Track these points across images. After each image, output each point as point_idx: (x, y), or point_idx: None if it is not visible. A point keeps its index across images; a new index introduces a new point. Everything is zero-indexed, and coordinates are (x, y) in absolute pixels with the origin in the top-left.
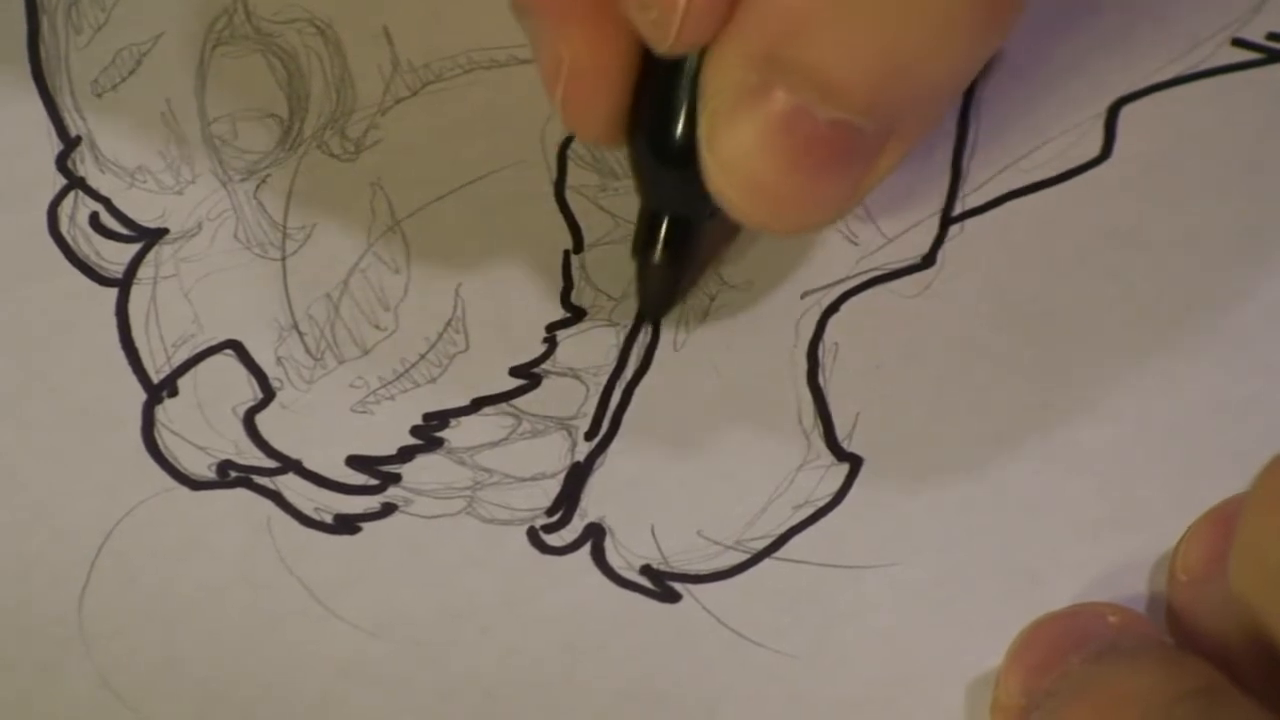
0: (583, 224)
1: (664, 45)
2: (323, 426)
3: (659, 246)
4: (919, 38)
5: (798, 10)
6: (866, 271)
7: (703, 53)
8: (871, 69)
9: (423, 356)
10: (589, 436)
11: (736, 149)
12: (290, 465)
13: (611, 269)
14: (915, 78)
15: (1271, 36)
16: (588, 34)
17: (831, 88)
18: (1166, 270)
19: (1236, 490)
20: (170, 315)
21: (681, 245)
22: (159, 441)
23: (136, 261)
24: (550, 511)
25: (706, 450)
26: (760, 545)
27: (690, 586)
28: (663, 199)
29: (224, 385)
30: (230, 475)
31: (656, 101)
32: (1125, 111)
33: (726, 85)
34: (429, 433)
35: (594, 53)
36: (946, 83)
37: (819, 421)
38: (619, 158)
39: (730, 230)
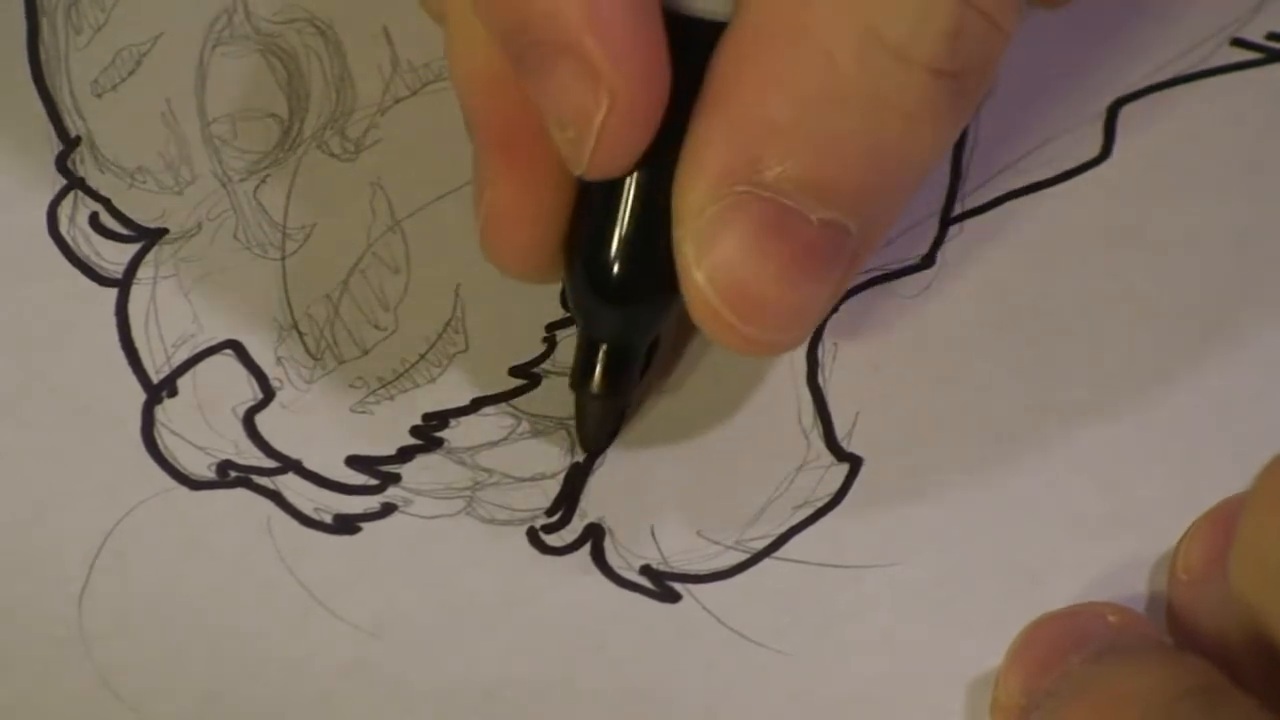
0: None
1: (579, 168)
2: (323, 426)
3: (597, 376)
4: (897, 126)
5: (778, 118)
6: (866, 272)
7: (641, 177)
8: (857, 163)
9: (422, 356)
10: None
11: (726, 262)
12: (290, 465)
13: None
14: (895, 168)
15: (1271, 36)
16: (517, 171)
17: (821, 186)
18: (1166, 270)
19: (1236, 490)
20: (170, 315)
21: (621, 374)
22: (159, 441)
23: (136, 261)
24: (550, 512)
25: (706, 450)
26: (760, 545)
27: (690, 586)
28: (602, 329)
29: (224, 385)
30: (230, 475)
31: (593, 232)
32: (1124, 111)
33: (707, 201)
34: (429, 433)
35: (517, 194)
36: (925, 165)
37: (818, 421)
38: None
39: (667, 357)
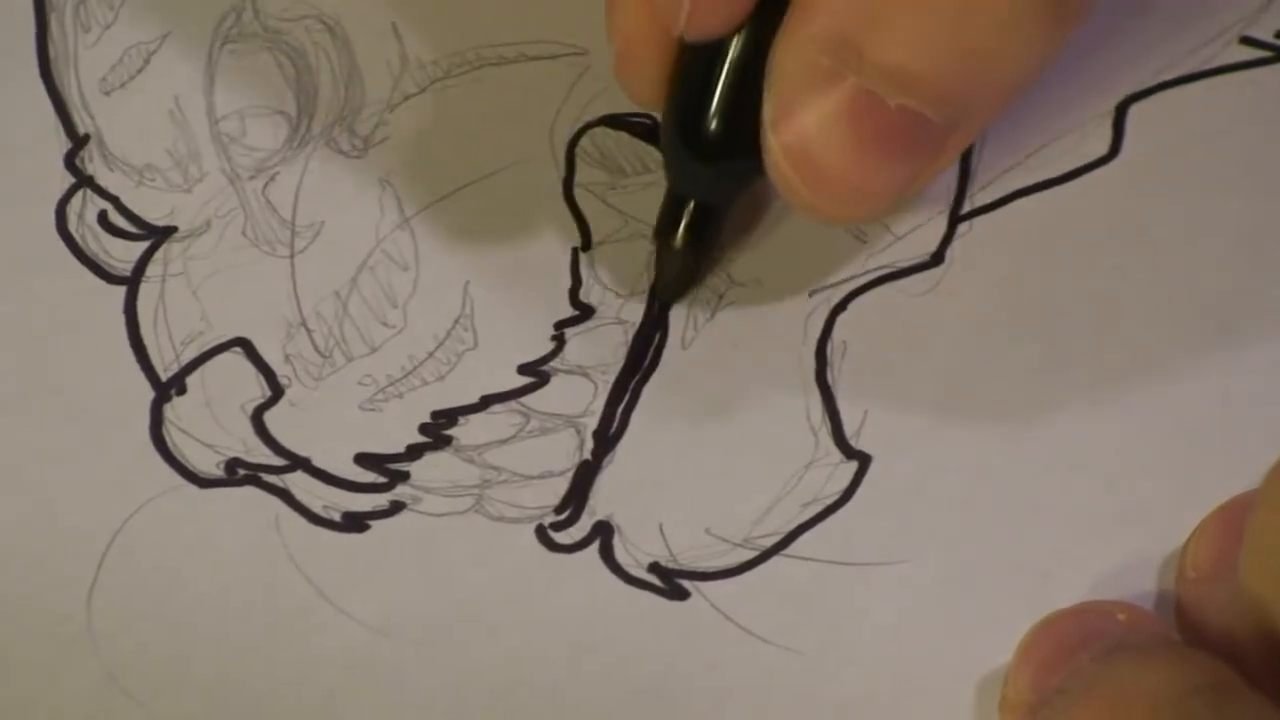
0: (591, 221)
1: (676, 29)
2: (331, 424)
3: (680, 231)
4: (989, 32)
5: (870, 1)
6: (875, 269)
7: (744, 41)
8: (943, 60)
9: (431, 354)
10: (597, 434)
11: (803, 132)
12: (298, 463)
13: (620, 266)
14: (985, 70)
15: None
16: (642, 8)
17: (904, 76)
18: (1175, 268)
19: (1245, 488)
20: (178, 313)
21: (703, 231)
22: (167, 439)
23: (145, 259)
24: (559, 509)
25: (715, 448)
26: (768, 543)
27: (698, 584)
28: (690, 184)
29: (232, 383)
30: (238, 473)
31: (690, 87)
32: (1133, 110)
33: (796, 69)
34: (437, 430)
35: (645, 28)
36: (1014, 77)
37: (827, 419)
38: (627, 155)
39: (749, 219)
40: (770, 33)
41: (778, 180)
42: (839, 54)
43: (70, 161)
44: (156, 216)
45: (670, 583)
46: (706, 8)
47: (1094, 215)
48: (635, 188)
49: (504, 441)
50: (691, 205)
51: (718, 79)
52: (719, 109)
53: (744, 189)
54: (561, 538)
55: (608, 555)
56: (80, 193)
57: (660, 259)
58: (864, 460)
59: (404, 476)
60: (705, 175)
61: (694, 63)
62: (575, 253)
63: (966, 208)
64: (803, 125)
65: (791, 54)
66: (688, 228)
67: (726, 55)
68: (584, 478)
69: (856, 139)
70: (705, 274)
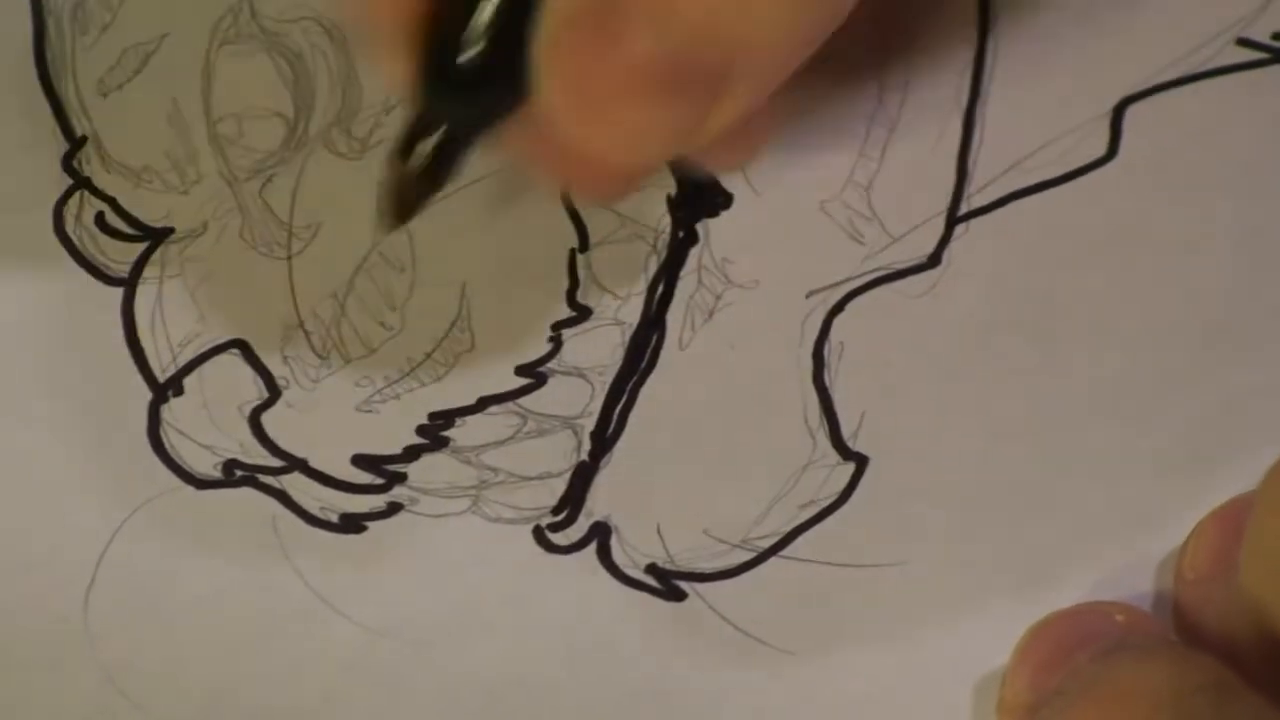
0: (588, 222)
1: None
2: (328, 425)
3: (424, 156)
4: None
5: None
6: (872, 271)
7: None
8: (713, 4)
9: (428, 355)
10: (595, 435)
11: (572, 66)
12: (296, 464)
13: (618, 268)
14: (752, 12)
15: (1276, 36)
16: None
17: (674, 16)
18: (1172, 269)
19: (1242, 490)
20: (176, 314)
21: (447, 160)
22: (165, 441)
23: (142, 261)
24: (556, 510)
25: (712, 449)
26: (766, 544)
27: (696, 585)
28: (444, 109)
29: (230, 384)
30: (236, 474)
31: (453, 6)
32: (1131, 111)
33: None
34: (435, 432)
35: None
36: (783, 26)
37: (824, 420)
38: None
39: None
40: None
41: (549, 112)
42: None
43: (68, 163)
44: (154, 218)
45: (668, 584)
46: None
47: (1091, 216)
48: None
49: (501, 442)
50: (442, 133)
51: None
52: (486, 30)
53: (501, 121)
54: (559, 539)
55: (605, 556)
56: (77, 194)
57: (393, 181)
58: (861, 461)
59: (401, 478)
60: (464, 101)
61: None
62: (573, 254)
63: (964, 209)
64: (572, 58)
65: None
66: (432, 152)
67: None
68: (581, 479)
69: (624, 74)
70: (431, 202)
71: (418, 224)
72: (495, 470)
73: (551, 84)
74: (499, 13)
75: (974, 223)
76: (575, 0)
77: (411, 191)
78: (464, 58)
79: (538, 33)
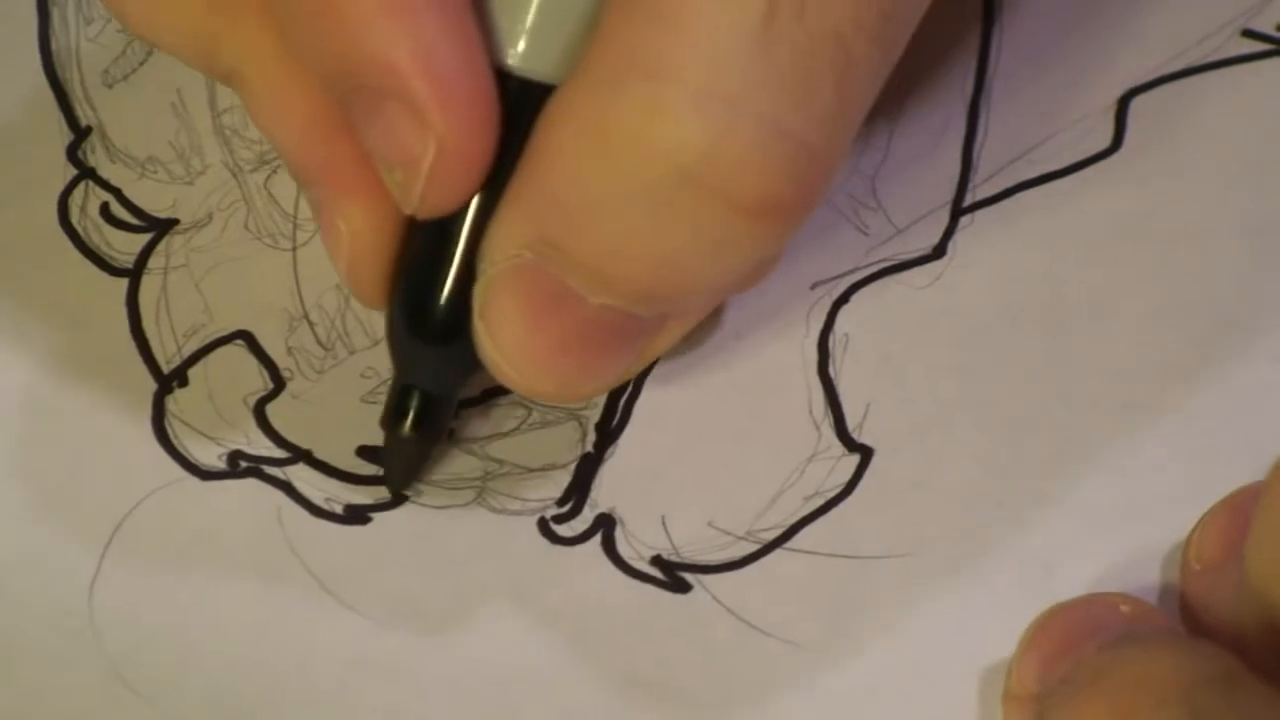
0: None
1: (409, 208)
2: (333, 417)
3: (409, 420)
4: (686, 247)
5: (569, 203)
6: (877, 262)
7: (471, 221)
8: (643, 268)
9: None
10: (600, 427)
11: (508, 323)
12: (300, 455)
13: None
14: (685, 278)
15: None
16: (365, 205)
17: (603, 277)
18: (1177, 260)
19: (1249, 480)
20: (181, 305)
21: (433, 419)
22: (169, 432)
23: (147, 252)
24: (561, 502)
25: (717, 441)
26: (771, 536)
27: (701, 577)
28: (418, 372)
29: (234, 375)
30: (240, 465)
31: (415, 272)
32: (1135, 103)
33: (500, 257)
34: None
35: (373, 224)
36: (719, 285)
37: (829, 412)
38: None
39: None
40: (491, 211)
41: (490, 368)
42: (540, 250)
43: (72, 154)
44: (159, 209)
45: (672, 575)
46: (440, 181)
47: (1096, 208)
48: None
49: (506, 434)
50: (418, 394)
51: (443, 262)
52: (447, 295)
53: (472, 375)
54: (564, 530)
55: (610, 548)
56: (82, 185)
57: (389, 449)
58: (866, 453)
59: None
60: (433, 362)
61: (419, 248)
62: None
63: (968, 200)
64: (507, 317)
65: (497, 244)
66: (416, 417)
67: (451, 238)
68: (586, 470)
69: (558, 333)
70: (437, 457)
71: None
72: (500, 462)
73: (488, 346)
74: (457, 271)
75: (979, 214)
76: (506, 267)
77: (409, 454)
78: (429, 322)
79: (475, 293)
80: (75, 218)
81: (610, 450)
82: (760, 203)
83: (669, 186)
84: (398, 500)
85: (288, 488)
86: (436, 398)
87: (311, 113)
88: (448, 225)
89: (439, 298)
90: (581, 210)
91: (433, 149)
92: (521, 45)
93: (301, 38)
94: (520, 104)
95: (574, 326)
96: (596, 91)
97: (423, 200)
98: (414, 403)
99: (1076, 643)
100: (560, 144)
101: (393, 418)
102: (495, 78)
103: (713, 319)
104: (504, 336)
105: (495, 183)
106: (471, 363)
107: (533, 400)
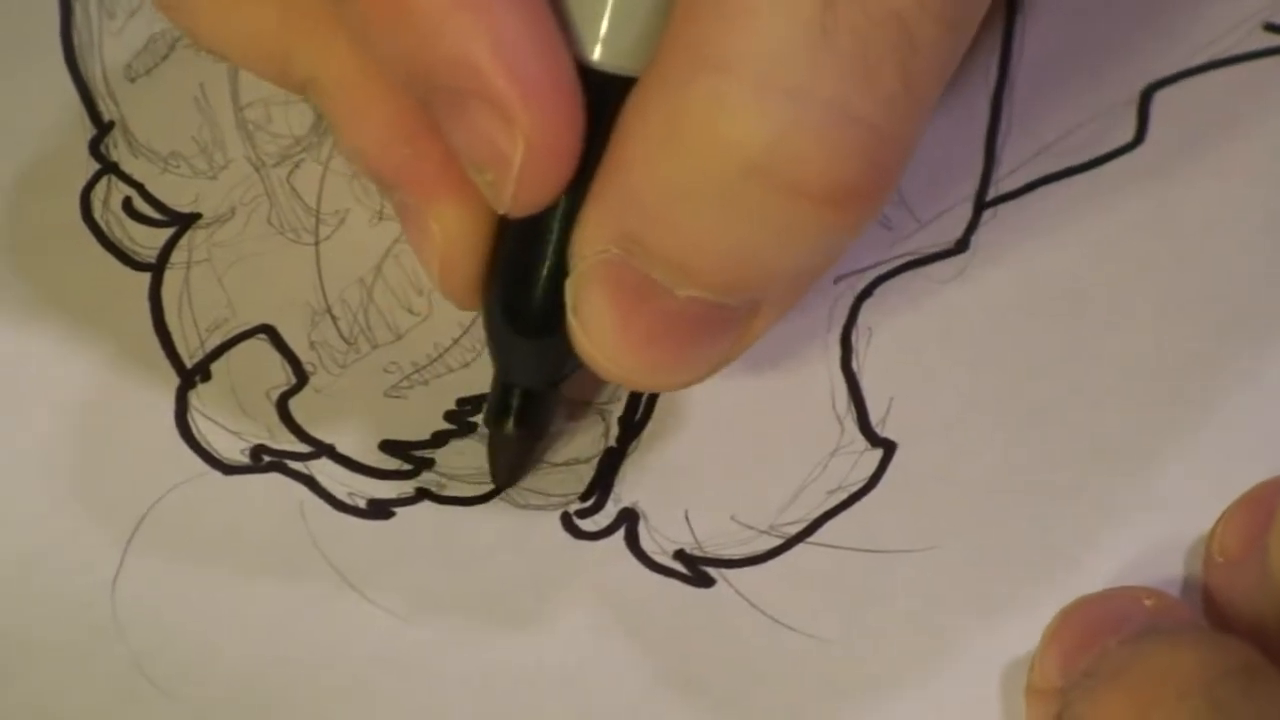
0: None
1: (502, 207)
2: (356, 411)
3: (512, 417)
4: (761, 238)
5: (649, 197)
6: (900, 256)
7: (561, 216)
8: (723, 260)
9: (456, 341)
10: (623, 421)
11: (597, 318)
12: (323, 450)
13: None
14: (768, 269)
15: None
16: (455, 206)
17: (685, 270)
18: (1200, 254)
19: (1272, 473)
20: (203, 300)
21: (535, 415)
22: (192, 426)
23: (170, 246)
24: (584, 496)
25: (740, 435)
26: (794, 530)
27: (724, 571)
28: (517, 371)
29: (257, 370)
30: (263, 460)
31: (511, 269)
32: (1158, 97)
33: (588, 253)
34: (463, 417)
35: (464, 226)
36: (801, 272)
37: (852, 407)
38: None
39: (590, 386)
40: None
41: (586, 362)
42: (625, 246)
43: (95, 148)
44: (181, 203)
45: (696, 570)
46: (530, 179)
47: (1119, 202)
48: None
49: None
50: (519, 392)
51: (536, 258)
52: (541, 290)
53: (569, 369)
54: (587, 525)
55: (633, 542)
56: (105, 179)
57: (493, 445)
58: (889, 447)
59: (429, 463)
60: (531, 358)
61: (512, 245)
62: None
63: (991, 194)
64: (597, 311)
65: (584, 240)
66: (519, 415)
67: (544, 232)
68: (609, 465)
69: (646, 327)
70: (544, 451)
71: None
72: None
73: (582, 340)
74: (551, 266)
75: (1001, 208)
76: (594, 263)
77: (512, 453)
78: (526, 317)
79: (567, 290)
80: (98, 212)
81: (633, 445)
82: (830, 190)
83: (738, 180)
84: (420, 495)
85: (310, 482)
86: (537, 394)
87: (393, 117)
88: (539, 222)
89: (535, 294)
90: (659, 205)
91: (521, 147)
92: (601, 39)
93: (376, 41)
94: (603, 99)
95: (662, 318)
96: (666, 87)
97: (515, 199)
98: (515, 400)
99: (1099, 636)
100: (636, 140)
101: (495, 416)
102: (578, 73)
103: None
104: (596, 330)
105: (584, 178)
106: (568, 357)
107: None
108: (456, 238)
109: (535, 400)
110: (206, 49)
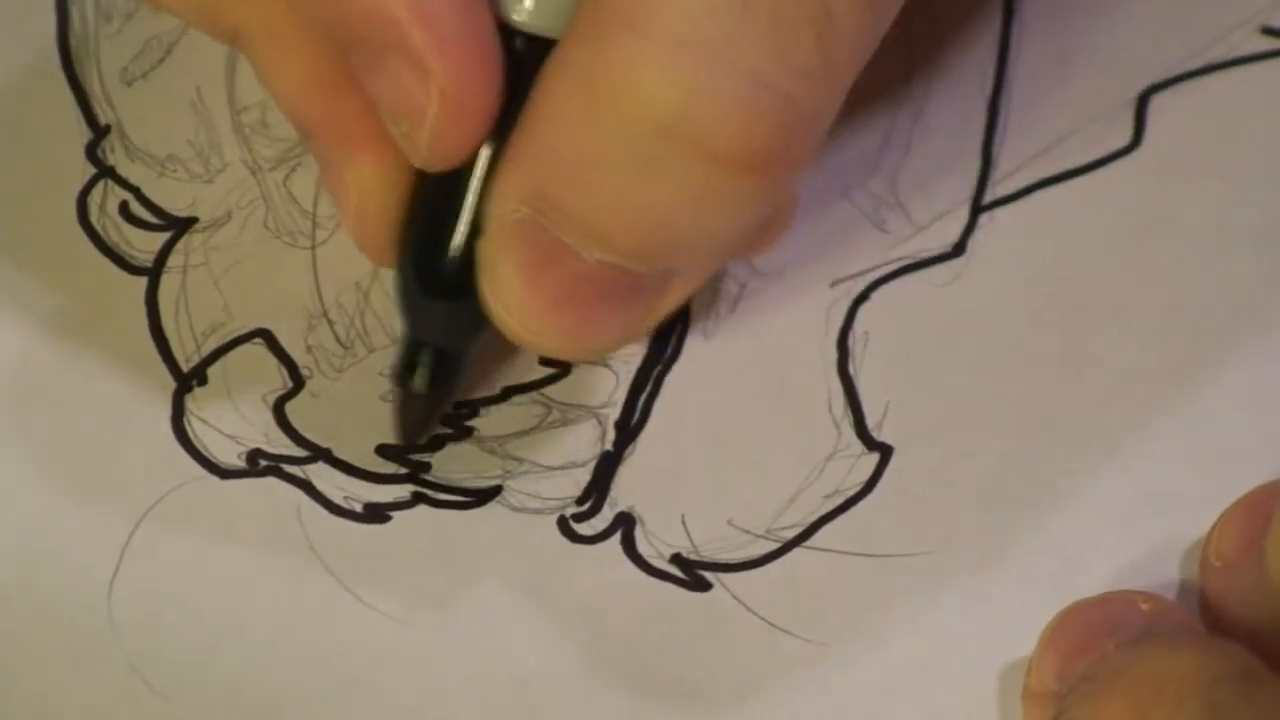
0: None
1: (417, 160)
2: (353, 415)
3: (419, 375)
4: (672, 202)
5: (562, 156)
6: (896, 260)
7: (477, 173)
8: (633, 223)
9: None
10: (619, 425)
11: (506, 279)
12: (320, 454)
13: None
14: (675, 234)
15: None
16: (373, 159)
17: (597, 234)
18: (1197, 257)
19: (1268, 477)
20: (200, 304)
21: (444, 374)
22: (189, 430)
23: (166, 250)
24: (580, 500)
25: (736, 439)
26: (790, 534)
27: (720, 575)
28: (427, 329)
29: (254, 374)
30: (260, 464)
31: (425, 226)
32: (1155, 100)
33: (500, 212)
34: (459, 421)
35: (381, 179)
36: (712, 242)
37: (849, 411)
38: None
39: (502, 351)
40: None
41: (495, 323)
42: (537, 206)
43: (91, 152)
44: (178, 207)
45: (692, 574)
46: (444, 131)
47: (1116, 205)
48: None
49: (525, 432)
50: (430, 350)
51: (451, 216)
52: (455, 249)
53: (482, 331)
54: (583, 529)
55: (629, 546)
56: (101, 183)
57: (400, 404)
58: (886, 452)
59: (425, 467)
60: (443, 317)
61: (427, 203)
62: None
63: (988, 198)
64: (507, 272)
65: (497, 199)
66: (428, 373)
67: (459, 192)
68: (606, 469)
69: (555, 290)
70: (446, 412)
71: None
72: (519, 460)
73: (492, 301)
74: (464, 224)
75: (999, 212)
76: (506, 224)
77: (419, 411)
78: (438, 275)
79: (479, 249)
80: (94, 216)
81: (630, 449)
82: (742, 156)
83: (650, 141)
84: (417, 499)
85: (307, 486)
86: (448, 354)
87: (316, 68)
88: (456, 180)
89: (447, 252)
90: (573, 166)
91: (436, 99)
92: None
93: None
94: (528, 60)
95: (572, 282)
96: (584, 46)
97: (429, 151)
98: (425, 359)
99: (1096, 640)
100: (553, 99)
101: (403, 373)
102: (500, 32)
103: (728, 306)
104: (505, 291)
105: (503, 140)
106: (481, 319)
107: (548, 394)
108: (372, 191)
109: (446, 359)
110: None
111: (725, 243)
